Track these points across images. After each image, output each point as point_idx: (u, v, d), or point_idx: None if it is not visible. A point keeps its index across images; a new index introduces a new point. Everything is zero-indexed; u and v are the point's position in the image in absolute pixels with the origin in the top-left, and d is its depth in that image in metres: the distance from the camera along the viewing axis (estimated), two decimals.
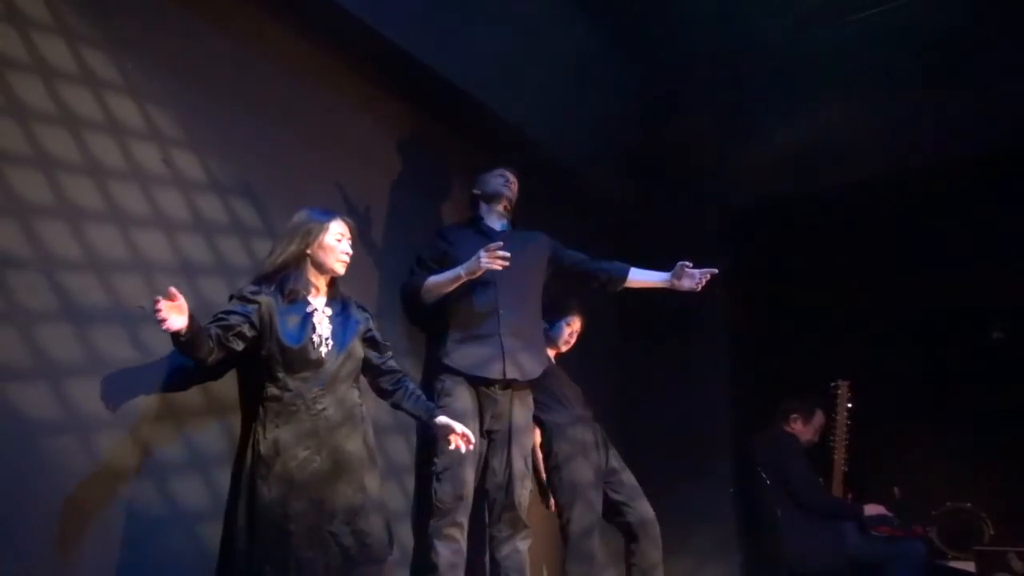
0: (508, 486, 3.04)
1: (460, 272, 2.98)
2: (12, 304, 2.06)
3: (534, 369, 3.15)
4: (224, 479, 2.47)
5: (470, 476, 2.96)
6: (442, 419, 2.63)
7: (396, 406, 2.65)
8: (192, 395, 2.44)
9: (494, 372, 3.04)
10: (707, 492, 4.08)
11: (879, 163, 4.33)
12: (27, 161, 2.14)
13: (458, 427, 2.61)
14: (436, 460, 2.95)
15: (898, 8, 4.16)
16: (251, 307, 2.37)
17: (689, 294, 3.19)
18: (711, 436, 3.73)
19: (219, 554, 2.32)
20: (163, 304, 2.06)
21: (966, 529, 3.81)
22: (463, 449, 2.63)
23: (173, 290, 2.09)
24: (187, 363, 2.35)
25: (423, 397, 2.68)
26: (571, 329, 3.64)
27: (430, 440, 2.97)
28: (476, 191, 3.37)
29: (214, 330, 2.28)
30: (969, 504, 3.87)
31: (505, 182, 3.31)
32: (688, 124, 4.70)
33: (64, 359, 2.15)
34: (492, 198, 3.31)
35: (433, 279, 3.10)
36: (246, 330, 2.35)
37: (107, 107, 2.35)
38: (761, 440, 4.12)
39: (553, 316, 3.59)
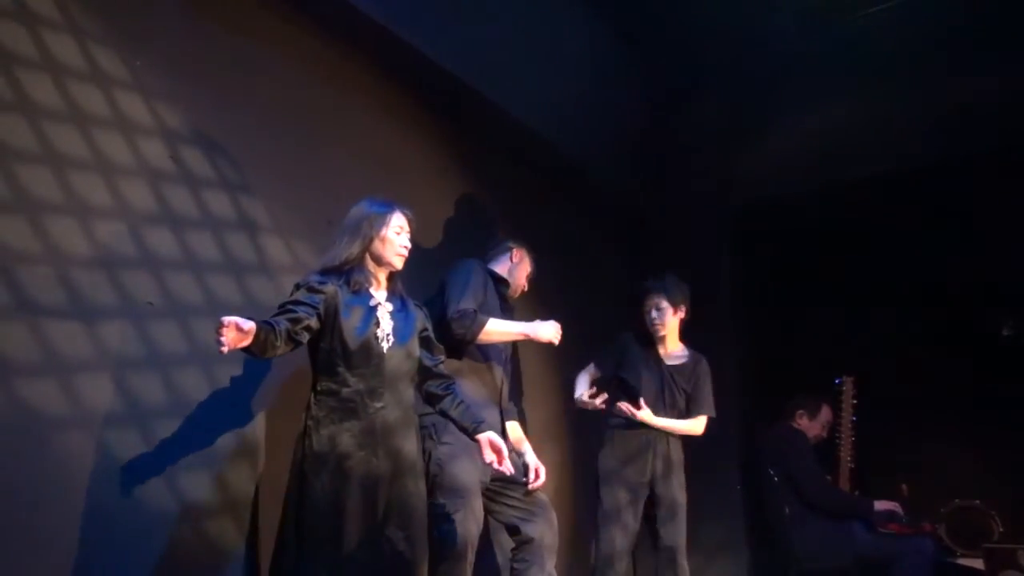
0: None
1: (526, 331, 2.91)
2: (21, 300, 2.08)
3: None
4: (231, 474, 2.49)
5: (480, 519, 2.82)
6: (493, 437, 2.51)
7: (443, 413, 2.55)
8: (201, 391, 2.46)
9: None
10: (714, 489, 4.07)
11: (886, 160, 4.31)
12: (36, 158, 2.16)
13: (505, 450, 2.51)
14: (444, 501, 2.73)
15: (905, 4, 4.14)
16: (318, 297, 2.30)
17: (697, 289, 3.17)
18: (718, 433, 3.71)
19: (274, 551, 2.27)
20: (226, 338, 1.99)
21: (975, 526, 3.79)
22: (507, 472, 2.54)
23: (233, 323, 2.00)
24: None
25: (471, 408, 2.58)
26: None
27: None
28: (512, 256, 3.21)
29: (284, 325, 2.20)
30: (978, 501, 3.84)
31: (528, 283, 3.24)
32: (695, 121, 4.70)
33: (73, 355, 2.17)
34: (511, 285, 3.20)
35: (498, 324, 2.90)
36: (313, 323, 2.28)
37: (115, 104, 2.36)
38: (768, 437, 4.11)
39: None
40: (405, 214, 2.51)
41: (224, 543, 2.46)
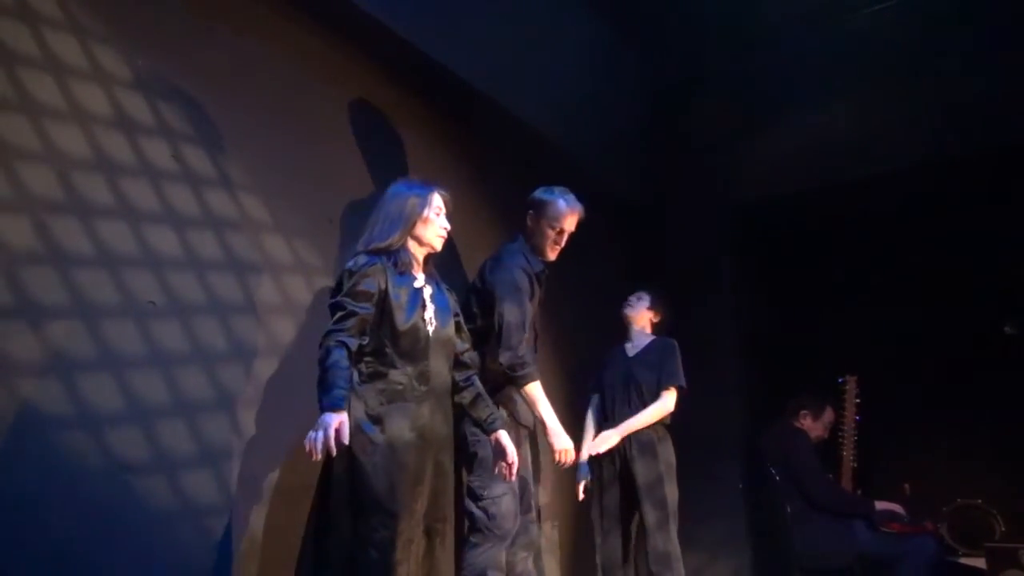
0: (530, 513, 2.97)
1: (551, 426, 2.82)
2: (24, 299, 2.08)
3: None
4: (233, 473, 2.48)
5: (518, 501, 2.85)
6: (502, 437, 2.52)
7: (459, 404, 2.53)
8: (202, 388, 2.46)
9: (530, 421, 3.01)
10: (717, 488, 4.08)
11: (888, 159, 4.30)
12: (38, 157, 2.15)
13: (512, 454, 2.51)
14: (489, 481, 2.72)
15: (905, 4, 4.14)
16: (373, 282, 2.29)
17: (698, 289, 3.17)
18: (720, 432, 3.73)
19: (313, 533, 2.24)
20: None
21: (977, 525, 3.78)
22: (508, 479, 2.56)
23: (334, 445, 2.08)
24: None
25: (489, 402, 2.58)
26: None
27: (475, 458, 2.82)
28: (528, 222, 3.08)
29: (355, 343, 2.23)
30: (980, 500, 3.84)
31: (556, 238, 3.06)
32: (696, 121, 4.69)
33: (75, 353, 2.16)
34: (538, 250, 3.08)
35: (537, 395, 2.84)
36: (372, 316, 2.29)
37: (117, 103, 2.36)
38: (771, 436, 4.10)
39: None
40: (442, 195, 2.52)
41: (225, 542, 2.46)
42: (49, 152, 2.18)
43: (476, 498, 2.74)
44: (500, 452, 2.53)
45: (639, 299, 3.71)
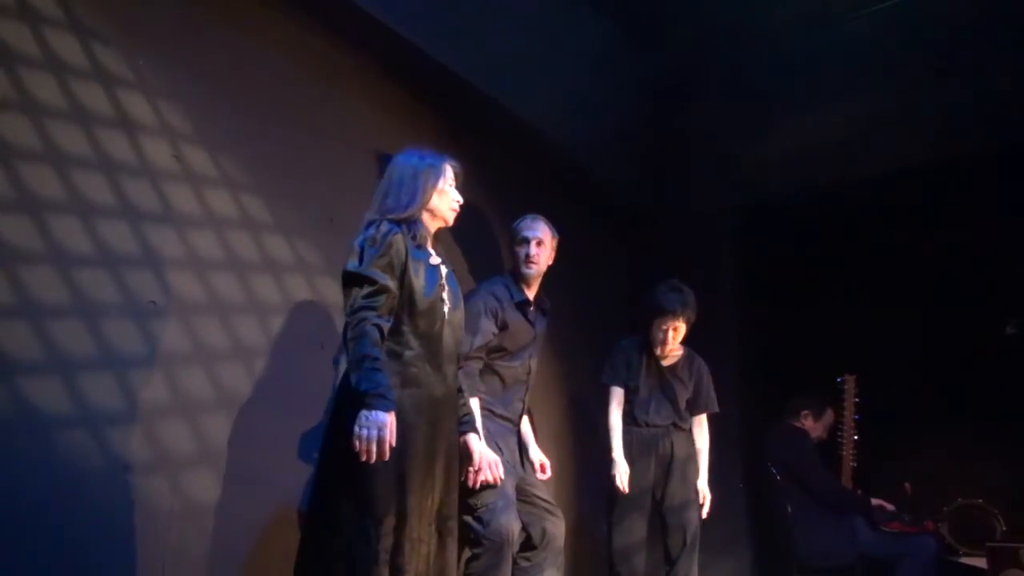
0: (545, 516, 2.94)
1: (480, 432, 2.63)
2: (24, 299, 2.08)
3: None
4: (232, 472, 2.48)
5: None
6: (472, 442, 2.42)
7: None
8: (202, 388, 2.46)
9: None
10: (717, 488, 4.06)
11: (887, 159, 4.30)
12: (38, 156, 2.15)
13: (478, 461, 2.43)
14: (480, 492, 2.60)
15: (905, 4, 4.14)
16: (395, 253, 2.14)
17: (698, 288, 3.16)
18: (721, 432, 3.71)
19: (314, 528, 2.12)
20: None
21: (978, 525, 3.78)
22: (473, 484, 2.49)
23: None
24: None
25: (467, 402, 2.49)
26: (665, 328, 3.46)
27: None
28: (512, 243, 3.08)
29: (387, 325, 2.08)
30: (981, 500, 3.84)
31: (526, 258, 3.00)
32: (696, 120, 4.69)
33: (75, 353, 2.16)
34: (521, 284, 3.02)
35: (475, 407, 2.66)
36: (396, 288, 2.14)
37: (118, 102, 2.36)
38: (772, 436, 4.10)
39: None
40: (453, 167, 2.39)
41: (225, 542, 2.46)
42: (49, 152, 2.17)
43: (469, 508, 2.64)
44: (466, 456, 2.43)
45: (677, 331, 3.45)
